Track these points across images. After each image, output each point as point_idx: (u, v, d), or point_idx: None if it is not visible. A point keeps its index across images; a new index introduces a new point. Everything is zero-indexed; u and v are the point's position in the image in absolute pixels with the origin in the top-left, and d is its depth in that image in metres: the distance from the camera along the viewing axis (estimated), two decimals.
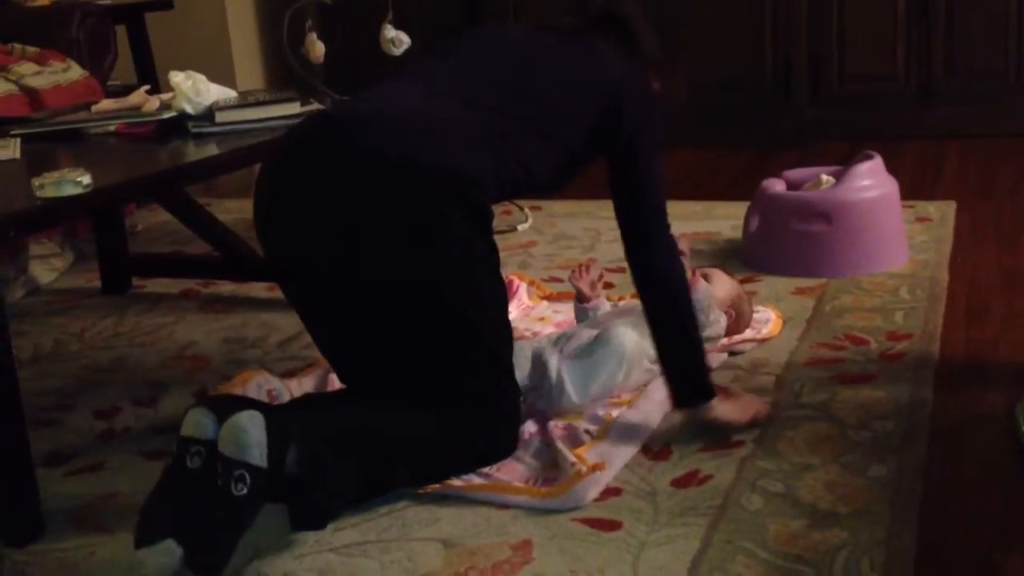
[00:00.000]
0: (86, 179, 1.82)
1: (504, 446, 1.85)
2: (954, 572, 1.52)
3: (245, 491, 1.53)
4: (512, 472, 1.81)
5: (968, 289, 2.59)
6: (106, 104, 2.64)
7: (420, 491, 1.76)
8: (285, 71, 3.91)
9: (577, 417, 1.98)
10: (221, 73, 3.49)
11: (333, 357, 1.94)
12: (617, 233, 1.91)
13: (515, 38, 2.02)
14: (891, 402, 2.01)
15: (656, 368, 2.05)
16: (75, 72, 3.34)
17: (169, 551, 1.51)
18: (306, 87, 2.81)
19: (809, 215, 2.74)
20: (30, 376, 2.42)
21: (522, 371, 1.98)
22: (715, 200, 3.50)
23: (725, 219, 3.25)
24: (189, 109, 2.42)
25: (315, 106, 2.52)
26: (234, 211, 3.56)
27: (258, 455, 1.54)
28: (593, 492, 1.73)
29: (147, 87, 2.80)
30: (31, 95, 3.11)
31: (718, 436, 1.90)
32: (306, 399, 1.93)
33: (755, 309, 2.41)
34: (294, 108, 2.45)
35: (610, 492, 1.74)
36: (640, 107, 1.91)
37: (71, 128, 2.48)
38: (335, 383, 2.10)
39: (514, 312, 2.51)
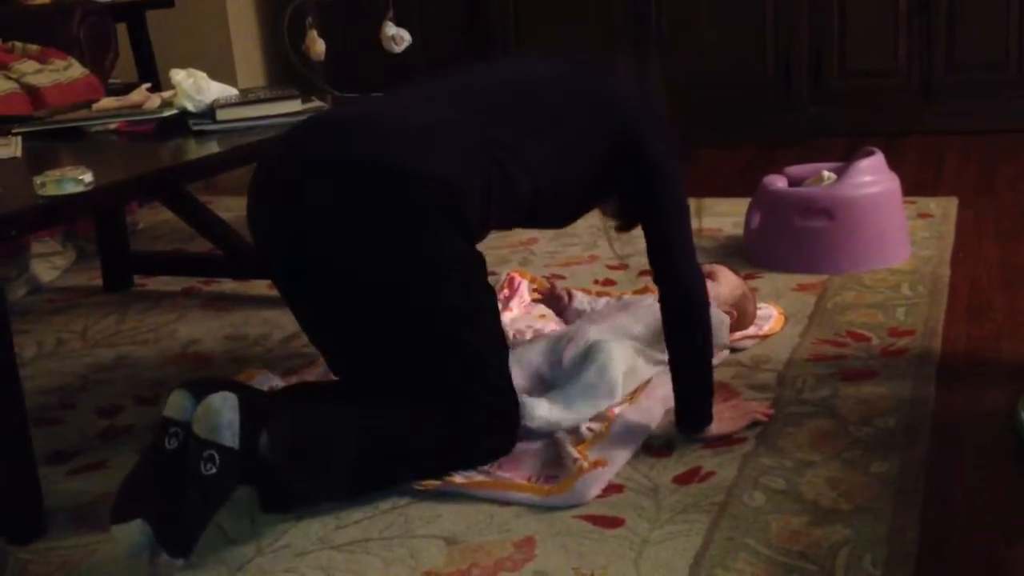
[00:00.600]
0: (87, 177, 1.82)
1: (499, 445, 1.85)
2: (956, 568, 1.52)
3: (214, 471, 1.54)
4: (514, 469, 1.81)
5: (970, 285, 2.58)
6: (107, 102, 2.63)
7: (422, 488, 1.77)
8: (286, 68, 3.91)
9: None
10: (222, 71, 3.50)
11: (324, 352, 1.95)
12: None
13: (528, 65, 2.02)
14: (893, 398, 2.01)
15: (657, 367, 2.05)
16: (76, 70, 3.34)
17: (140, 529, 1.53)
18: (307, 84, 2.81)
19: (811, 211, 2.74)
20: (32, 375, 2.42)
21: (519, 379, 1.96)
22: (716, 196, 3.50)
23: (727, 216, 3.24)
24: (190, 107, 2.42)
25: (316, 103, 2.52)
26: (235, 209, 3.54)
27: (229, 436, 1.55)
28: (595, 489, 1.73)
29: (148, 85, 2.80)
30: (32, 93, 3.11)
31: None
32: (298, 387, 1.96)
33: (758, 306, 2.40)
34: (295, 106, 2.45)
35: (612, 489, 1.75)
36: (652, 125, 1.91)
37: (72, 126, 2.48)
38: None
39: (516, 310, 2.51)
